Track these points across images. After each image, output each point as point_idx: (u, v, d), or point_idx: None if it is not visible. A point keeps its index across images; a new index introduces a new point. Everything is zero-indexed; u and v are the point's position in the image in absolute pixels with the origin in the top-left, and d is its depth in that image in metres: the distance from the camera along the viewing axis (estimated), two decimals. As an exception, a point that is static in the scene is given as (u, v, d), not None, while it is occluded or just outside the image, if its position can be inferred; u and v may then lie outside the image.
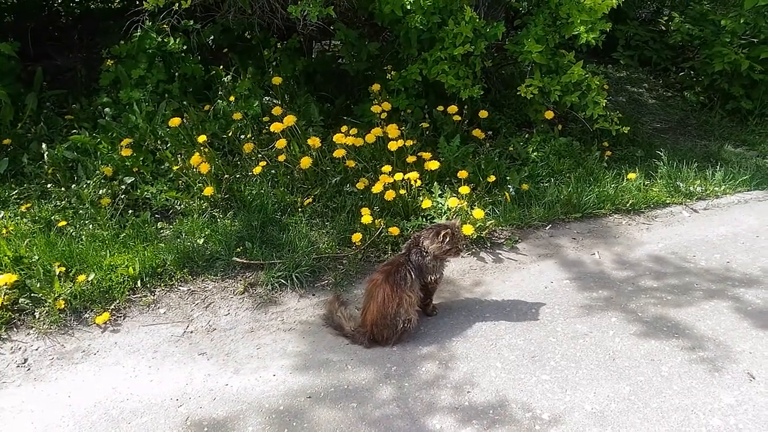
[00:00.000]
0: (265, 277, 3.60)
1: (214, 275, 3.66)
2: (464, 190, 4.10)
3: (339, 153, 4.30)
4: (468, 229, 3.89)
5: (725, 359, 3.06)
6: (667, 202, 4.76)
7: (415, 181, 4.17)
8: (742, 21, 6.23)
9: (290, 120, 4.35)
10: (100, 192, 4.15)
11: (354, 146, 4.42)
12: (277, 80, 4.98)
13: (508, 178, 4.64)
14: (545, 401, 2.80)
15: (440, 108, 5.04)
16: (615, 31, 7.22)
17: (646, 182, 4.90)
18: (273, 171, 4.44)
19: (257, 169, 4.25)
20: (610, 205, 4.57)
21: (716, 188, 4.96)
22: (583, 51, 5.27)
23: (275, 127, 4.32)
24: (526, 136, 5.27)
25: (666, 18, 7.67)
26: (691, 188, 4.88)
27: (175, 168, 4.35)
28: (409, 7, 4.68)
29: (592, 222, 4.47)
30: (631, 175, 4.80)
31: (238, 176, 4.40)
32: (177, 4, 4.68)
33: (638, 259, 4.01)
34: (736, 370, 2.99)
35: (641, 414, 2.72)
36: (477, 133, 4.90)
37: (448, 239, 3.12)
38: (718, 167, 5.22)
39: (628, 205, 4.61)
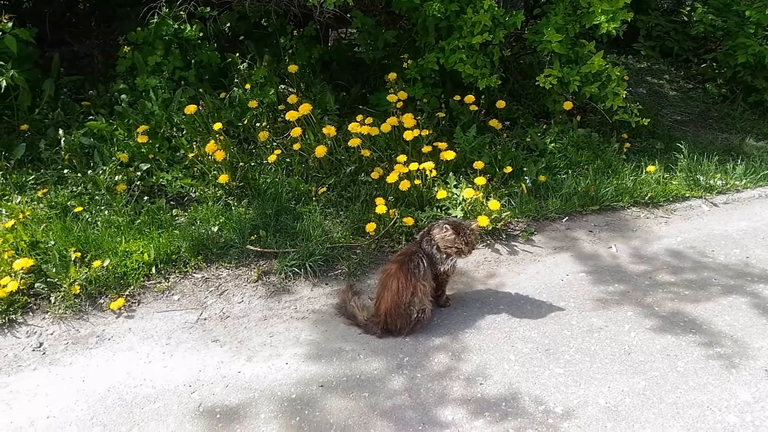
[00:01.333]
0: (279, 265, 3.60)
1: (228, 263, 3.67)
2: (480, 180, 4.06)
3: (354, 142, 4.27)
4: (483, 221, 3.85)
5: (742, 356, 3.02)
6: (687, 195, 4.68)
7: (431, 171, 4.13)
8: (767, 12, 6.08)
9: (306, 108, 4.33)
10: (116, 178, 4.16)
11: (369, 135, 4.39)
12: (293, 68, 4.95)
13: (524, 169, 4.59)
14: (558, 395, 2.77)
15: (457, 97, 4.99)
16: (636, 21, 7.07)
17: (666, 175, 4.82)
18: (288, 159, 4.43)
19: (272, 158, 4.24)
20: (629, 198, 4.51)
21: (737, 182, 4.86)
22: (603, 41, 5.18)
23: (290, 116, 4.31)
24: (544, 127, 5.20)
25: (688, 8, 7.51)
26: (712, 182, 4.80)
27: (190, 155, 4.36)
28: (427, -6, 4.63)
29: (610, 215, 4.41)
30: (651, 168, 4.73)
31: (252, 164, 4.40)
32: (194, -9, 4.69)
33: (656, 253, 3.95)
34: (753, 367, 2.94)
35: (656, 409, 2.69)
36: (494, 123, 4.85)
37: (453, 236, 3.06)
38: (739, 161, 5.12)
39: (646, 198, 4.54)
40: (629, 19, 4.81)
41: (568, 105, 5.09)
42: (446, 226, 3.08)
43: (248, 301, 3.41)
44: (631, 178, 4.67)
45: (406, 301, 3.03)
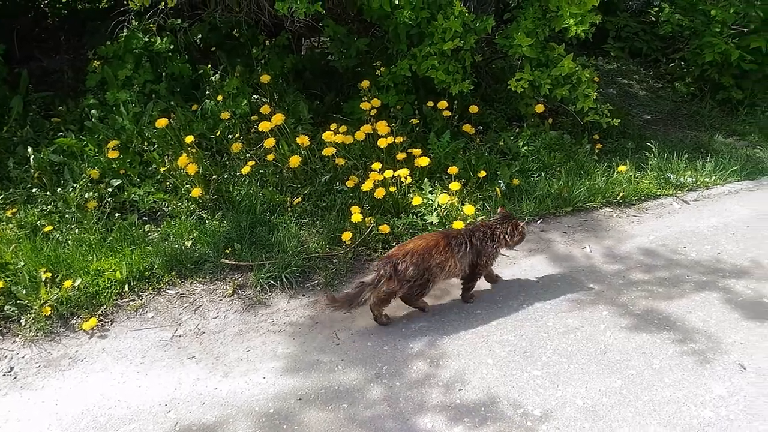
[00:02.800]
0: (255, 278, 3.57)
1: (202, 277, 3.64)
2: (455, 186, 4.09)
3: (328, 151, 4.27)
4: (459, 226, 3.87)
5: (716, 351, 3.07)
6: (658, 194, 4.75)
7: (405, 178, 4.15)
8: (732, 11, 6.20)
9: (279, 118, 4.31)
10: (87, 195, 4.10)
11: (343, 144, 4.39)
12: (265, 78, 4.94)
13: (498, 173, 4.62)
14: (536, 397, 2.79)
15: (430, 104, 5.01)
16: (605, 23, 7.18)
17: (637, 174, 4.89)
18: (262, 170, 4.41)
19: (246, 169, 4.22)
20: (601, 198, 4.56)
21: (707, 179, 4.95)
22: (572, 44, 5.23)
23: (263, 126, 4.29)
24: (517, 130, 5.24)
25: (656, 9, 7.63)
26: (682, 179, 4.88)
27: (162, 169, 4.32)
28: (397, 2, 4.64)
29: (583, 215, 4.46)
30: (622, 168, 4.79)
31: (226, 176, 4.37)
32: (163, 3, 4.64)
33: (629, 252, 4.00)
34: (727, 362, 2.99)
35: (633, 408, 2.72)
36: (467, 128, 4.88)
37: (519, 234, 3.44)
38: (708, 158, 5.21)
39: (618, 197, 4.60)
40: (597, 22, 4.87)
41: (539, 108, 5.14)
42: (518, 224, 3.42)
43: (224, 315, 3.38)
44: (603, 178, 4.73)
45: (432, 261, 3.15)
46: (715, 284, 3.63)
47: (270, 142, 4.30)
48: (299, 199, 4.23)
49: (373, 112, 4.62)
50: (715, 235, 4.20)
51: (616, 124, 4.97)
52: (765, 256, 3.90)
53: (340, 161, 4.37)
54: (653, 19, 7.59)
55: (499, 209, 3.61)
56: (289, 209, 4.17)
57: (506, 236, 3.40)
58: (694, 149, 5.50)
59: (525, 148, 4.95)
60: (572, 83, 4.89)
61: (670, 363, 2.98)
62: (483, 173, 4.42)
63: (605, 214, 4.50)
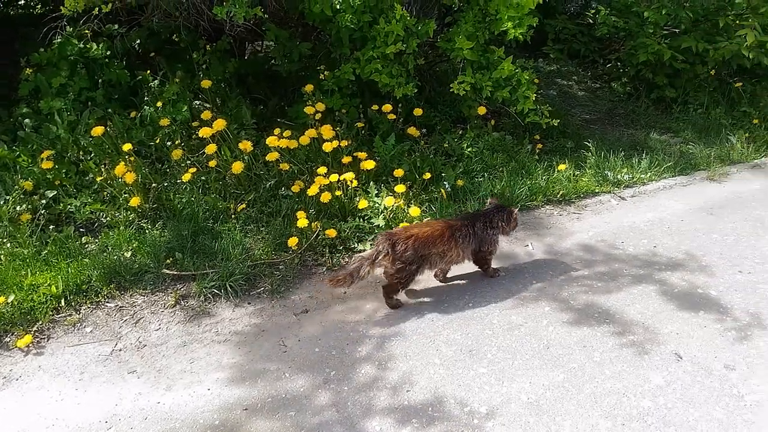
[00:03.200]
0: (198, 288, 3.50)
1: (143, 289, 3.54)
2: (400, 188, 4.11)
3: (272, 156, 4.23)
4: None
5: (653, 342, 3.18)
6: (597, 191, 4.90)
7: (351, 181, 4.15)
8: (663, 12, 6.46)
9: (220, 124, 4.24)
10: (20, 208, 3.94)
11: (288, 149, 4.36)
12: (206, 83, 4.85)
13: (443, 174, 4.68)
14: (483, 394, 2.83)
15: (375, 107, 5.02)
16: (544, 25, 7.38)
17: (576, 173, 5.04)
18: (204, 177, 4.33)
19: (186, 176, 4.13)
20: (542, 197, 4.68)
21: (642, 175, 5.14)
22: (513, 46, 5.36)
23: (204, 132, 4.21)
24: (461, 132, 5.32)
25: (593, 11, 7.89)
26: (619, 177, 5.05)
27: (99, 179, 4.18)
28: (338, 6, 4.64)
29: (525, 214, 4.55)
30: (562, 167, 4.92)
31: (166, 185, 4.27)
32: (97, 9, 4.50)
33: (569, 249, 4.11)
34: (664, 352, 3.10)
35: (575, 400, 2.79)
36: (412, 131, 4.91)
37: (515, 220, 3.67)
38: (644, 155, 5.41)
39: (559, 195, 4.73)
40: (535, 24, 4.99)
41: (482, 110, 5.23)
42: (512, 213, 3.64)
43: (166, 327, 3.30)
44: (544, 177, 4.85)
45: (435, 250, 3.34)
46: (652, 277, 3.76)
47: (211, 148, 4.22)
48: (243, 206, 4.17)
49: (318, 116, 4.60)
50: (651, 230, 4.36)
51: (555, 124, 5.10)
52: (698, 249, 4.08)
53: (285, 166, 4.33)
54: (590, 21, 7.83)
55: (489, 200, 3.82)
56: (233, 216, 4.11)
57: (503, 224, 3.61)
58: (631, 147, 5.70)
59: (469, 149, 5.03)
60: (512, 85, 4.99)
61: (610, 355, 3.08)
62: (428, 175, 4.46)
63: (546, 212, 4.62)
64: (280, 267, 3.77)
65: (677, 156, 5.54)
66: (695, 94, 6.78)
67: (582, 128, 6.18)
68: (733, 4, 6.50)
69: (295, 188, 4.20)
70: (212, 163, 4.26)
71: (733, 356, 3.05)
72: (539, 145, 5.33)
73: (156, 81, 5.12)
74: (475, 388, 2.87)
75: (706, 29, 6.66)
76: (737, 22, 6.43)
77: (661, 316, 3.39)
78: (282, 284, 3.65)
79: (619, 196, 4.90)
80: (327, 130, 4.37)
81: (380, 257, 3.27)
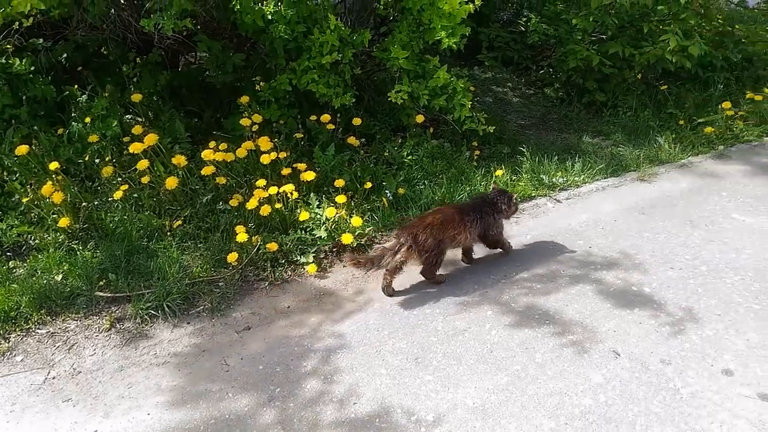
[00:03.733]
0: (133, 309, 3.37)
1: (75, 313, 3.38)
2: (341, 199, 4.10)
3: (208, 170, 4.13)
4: (347, 238, 3.90)
5: (592, 340, 3.26)
6: (533, 195, 5.02)
7: (291, 193, 4.10)
8: (591, 19, 6.69)
9: (152, 139, 4.12)
10: (-63, 233, 3.71)
11: (225, 162, 4.27)
12: (137, 97, 4.70)
13: (384, 183, 4.69)
14: (429, 402, 2.84)
15: (313, 117, 5.00)
16: (478, 33, 7.54)
17: (513, 177, 5.14)
18: (136, 195, 4.18)
19: (118, 194, 3.98)
20: (481, 203, 4.75)
21: (576, 178, 5.30)
22: (448, 55, 5.43)
23: (135, 148, 4.07)
24: (400, 140, 5.35)
25: (525, 19, 8.11)
26: (554, 180, 5.19)
27: (25, 200, 3.98)
28: (270, 17, 4.59)
29: (466, 220, 4.61)
30: (498, 172, 5.02)
31: (97, 203, 4.11)
32: (17, 23, 4.30)
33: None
34: (602, 349, 3.18)
35: (519, 403, 2.84)
36: (352, 140, 4.91)
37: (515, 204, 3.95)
38: (577, 158, 5.57)
39: (497, 201, 4.81)
40: (467, 34, 5.07)
41: (420, 118, 5.28)
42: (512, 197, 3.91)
43: (101, 352, 3.16)
44: (482, 183, 4.93)
45: (447, 234, 3.56)
46: (588, 277, 3.87)
47: (143, 164, 4.08)
48: (179, 222, 4.05)
49: (255, 127, 4.53)
50: (586, 231, 4.50)
51: (491, 131, 5.18)
52: (632, 248, 4.21)
53: (221, 180, 4.24)
54: (523, 29, 8.05)
55: (492, 186, 4.12)
56: (168, 233, 3.99)
57: (506, 207, 3.87)
58: (564, 150, 5.87)
59: (409, 157, 5.06)
60: (449, 94, 5.05)
61: (552, 356, 3.14)
62: (369, 184, 4.47)
63: (486, 217, 4.69)
64: (220, 284, 3.68)
65: (609, 158, 5.73)
66: (624, 98, 7.02)
67: (518, 134, 6.33)
68: (655, 10, 6.80)
69: (234, 202, 4.12)
70: (145, 180, 4.12)
71: (668, 351, 3.16)
72: (477, 152, 5.42)
73: (84, 96, 4.92)
74: (421, 396, 2.88)
75: (632, 35, 6.94)
76: (660, 27, 6.74)
77: (599, 314, 3.48)
78: (222, 301, 3.56)
79: (555, 199, 5.03)
80: (265, 142, 4.31)
81: (402, 250, 3.48)
